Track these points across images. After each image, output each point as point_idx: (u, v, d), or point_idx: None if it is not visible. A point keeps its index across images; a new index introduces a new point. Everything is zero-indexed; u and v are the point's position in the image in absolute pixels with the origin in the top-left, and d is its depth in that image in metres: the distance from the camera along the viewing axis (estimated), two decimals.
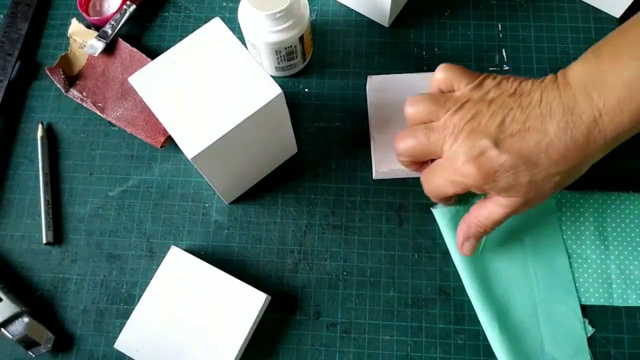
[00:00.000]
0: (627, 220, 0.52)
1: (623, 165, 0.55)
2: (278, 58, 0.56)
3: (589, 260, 0.51)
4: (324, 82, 0.60)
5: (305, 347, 0.51)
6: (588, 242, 0.52)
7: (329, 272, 0.53)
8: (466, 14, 0.62)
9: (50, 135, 0.60)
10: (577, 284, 0.51)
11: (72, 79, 0.61)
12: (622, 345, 0.50)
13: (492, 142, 0.41)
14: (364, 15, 0.63)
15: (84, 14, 0.63)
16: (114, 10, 0.63)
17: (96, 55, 0.61)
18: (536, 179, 0.41)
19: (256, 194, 0.56)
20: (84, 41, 0.62)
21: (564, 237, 0.52)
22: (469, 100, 0.44)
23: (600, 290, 0.50)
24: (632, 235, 0.52)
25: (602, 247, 0.52)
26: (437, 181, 0.45)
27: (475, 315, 0.51)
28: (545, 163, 0.41)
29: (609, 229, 0.52)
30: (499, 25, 0.62)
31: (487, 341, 0.50)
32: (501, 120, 0.42)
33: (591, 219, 0.53)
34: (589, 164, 0.43)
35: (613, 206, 0.53)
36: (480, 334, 0.51)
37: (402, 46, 0.61)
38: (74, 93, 0.60)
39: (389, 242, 0.54)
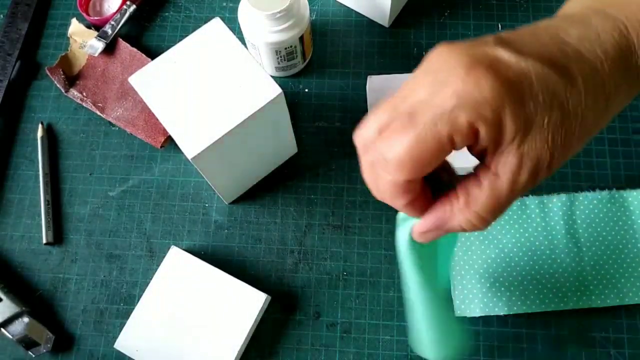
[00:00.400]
0: (597, 220, 0.52)
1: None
2: (278, 58, 0.56)
3: (564, 265, 0.51)
4: (324, 82, 0.60)
5: (305, 347, 0.51)
6: (561, 246, 0.52)
7: (329, 272, 0.53)
8: (466, 14, 0.62)
9: (50, 135, 0.60)
10: (554, 289, 0.50)
11: (72, 79, 0.61)
12: (622, 345, 0.50)
13: (502, 46, 0.28)
14: (364, 15, 0.63)
15: (84, 14, 0.63)
16: (114, 11, 0.63)
17: (96, 55, 0.60)
18: (574, 102, 0.28)
19: (256, 194, 0.56)
20: (84, 41, 0.62)
21: (537, 243, 0.52)
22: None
23: (578, 293, 0.50)
24: (604, 234, 0.52)
25: (575, 249, 0.51)
26: (406, 138, 0.28)
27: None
28: (579, 74, 0.28)
29: (580, 231, 0.52)
30: (499, 25, 0.62)
31: (487, 341, 0.50)
32: (496, 37, 0.29)
33: (561, 222, 0.52)
34: (627, 94, 0.31)
35: (582, 207, 0.53)
36: (480, 334, 0.51)
37: (402, 46, 0.61)
38: (74, 93, 0.60)
39: (389, 242, 0.54)
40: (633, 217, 0.52)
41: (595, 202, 0.53)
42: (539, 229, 0.52)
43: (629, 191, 0.53)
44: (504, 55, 0.27)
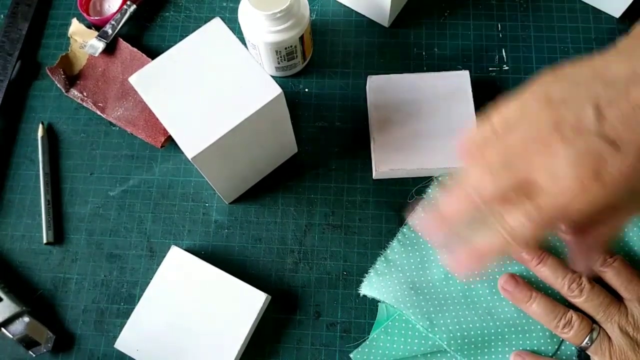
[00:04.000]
0: None
1: None
2: (278, 58, 0.56)
3: None
4: (324, 82, 0.60)
5: (305, 346, 0.51)
6: (553, 251, 0.51)
7: (329, 272, 0.53)
8: (466, 14, 0.62)
9: (51, 135, 0.60)
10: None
11: (72, 79, 0.61)
12: None
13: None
14: (364, 15, 0.63)
15: (85, 14, 0.63)
16: (115, 10, 0.63)
17: (96, 55, 0.61)
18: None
19: (256, 193, 0.56)
20: (84, 41, 0.62)
21: None
22: None
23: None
24: None
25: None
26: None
27: None
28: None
29: None
30: (499, 26, 0.62)
31: None
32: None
33: None
34: None
35: None
36: None
37: (402, 46, 0.61)
38: (74, 93, 0.60)
39: (388, 242, 0.54)
40: (625, 230, 0.51)
41: None
42: None
43: None
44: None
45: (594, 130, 0.30)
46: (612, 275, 0.47)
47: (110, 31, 0.61)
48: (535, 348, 0.48)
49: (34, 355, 0.51)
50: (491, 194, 0.33)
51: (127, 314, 0.52)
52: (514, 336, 0.48)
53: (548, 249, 0.50)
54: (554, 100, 0.32)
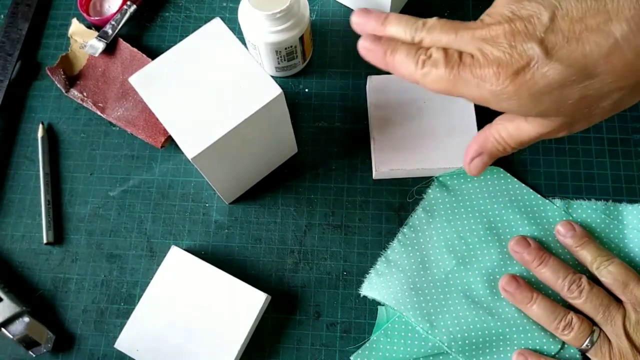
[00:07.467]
0: (589, 229, 0.52)
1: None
2: (278, 58, 0.56)
3: None
4: (324, 82, 0.60)
5: (305, 346, 0.51)
6: (553, 252, 0.51)
7: (329, 272, 0.53)
8: (466, 14, 0.62)
9: (51, 135, 0.60)
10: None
11: (72, 79, 0.61)
12: None
13: (541, 48, 0.32)
14: None
15: (85, 14, 0.63)
16: (115, 11, 0.63)
17: (97, 55, 0.61)
18: (589, 94, 0.32)
19: (256, 194, 0.56)
20: (84, 41, 0.62)
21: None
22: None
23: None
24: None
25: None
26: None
27: None
28: (604, 73, 0.31)
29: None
30: None
31: None
32: (550, 16, 0.32)
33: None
34: None
35: (574, 215, 0.52)
36: None
37: None
38: (74, 93, 0.60)
39: (388, 242, 0.54)
40: (625, 232, 0.52)
41: (589, 211, 0.52)
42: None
43: (625, 205, 0.53)
44: (537, 63, 0.32)
45: (537, 35, 0.32)
46: (609, 278, 0.47)
47: (110, 31, 0.61)
48: (538, 347, 0.48)
49: (34, 355, 0.51)
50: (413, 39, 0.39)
51: (127, 314, 0.52)
52: (515, 336, 0.48)
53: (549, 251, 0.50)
54: None
